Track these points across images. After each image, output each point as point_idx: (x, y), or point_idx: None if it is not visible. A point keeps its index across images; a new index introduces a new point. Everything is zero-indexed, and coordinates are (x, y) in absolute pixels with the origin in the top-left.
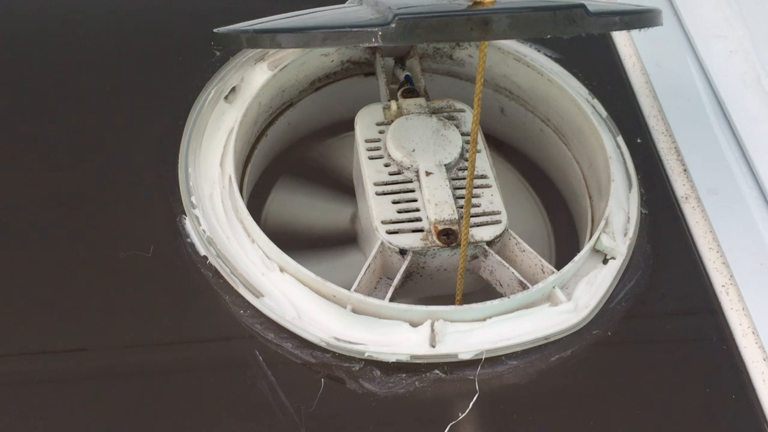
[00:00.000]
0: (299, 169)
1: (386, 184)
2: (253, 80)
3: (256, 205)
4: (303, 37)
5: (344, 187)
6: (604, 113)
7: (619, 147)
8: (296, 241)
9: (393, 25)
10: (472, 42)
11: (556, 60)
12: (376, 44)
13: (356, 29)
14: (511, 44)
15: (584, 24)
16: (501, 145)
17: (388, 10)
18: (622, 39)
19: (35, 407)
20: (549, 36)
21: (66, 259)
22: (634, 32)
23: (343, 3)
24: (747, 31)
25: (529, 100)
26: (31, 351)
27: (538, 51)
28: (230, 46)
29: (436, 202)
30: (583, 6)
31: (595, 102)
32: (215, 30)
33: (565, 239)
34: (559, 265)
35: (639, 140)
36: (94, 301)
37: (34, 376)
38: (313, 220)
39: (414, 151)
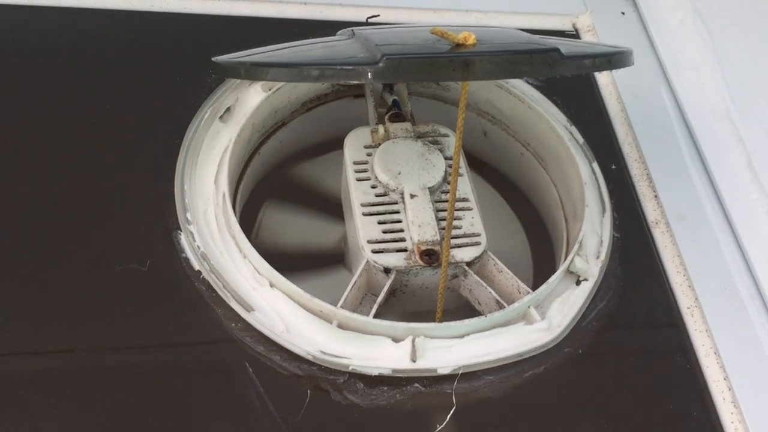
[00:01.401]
0: (287, 189)
1: (372, 205)
2: (248, 101)
3: (247, 220)
4: (297, 72)
5: (331, 206)
6: (581, 140)
7: (594, 173)
8: (287, 260)
9: (381, 65)
10: None
11: (537, 87)
12: (364, 82)
13: (346, 67)
14: None
15: (558, 67)
16: (484, 167)
17: (376, 48)
18: None
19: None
20: (525, 78)
21: (64, 271)
22: None
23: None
24: (719, 64)
25: (510, 125)
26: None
27: (520, 78)
28: (228, 76)
29: (420, 224)
30: (557, 50)
31: (573, 129)
32: (214, 59)
33: (545, 260)
34: (538, 285)
35: (614, 166)
36: (91, 313)
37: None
38: (306, 240)
39: (400, 174)
